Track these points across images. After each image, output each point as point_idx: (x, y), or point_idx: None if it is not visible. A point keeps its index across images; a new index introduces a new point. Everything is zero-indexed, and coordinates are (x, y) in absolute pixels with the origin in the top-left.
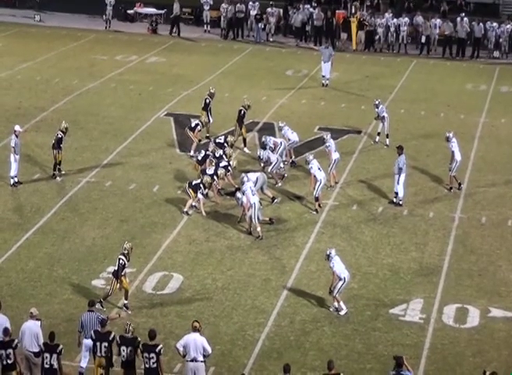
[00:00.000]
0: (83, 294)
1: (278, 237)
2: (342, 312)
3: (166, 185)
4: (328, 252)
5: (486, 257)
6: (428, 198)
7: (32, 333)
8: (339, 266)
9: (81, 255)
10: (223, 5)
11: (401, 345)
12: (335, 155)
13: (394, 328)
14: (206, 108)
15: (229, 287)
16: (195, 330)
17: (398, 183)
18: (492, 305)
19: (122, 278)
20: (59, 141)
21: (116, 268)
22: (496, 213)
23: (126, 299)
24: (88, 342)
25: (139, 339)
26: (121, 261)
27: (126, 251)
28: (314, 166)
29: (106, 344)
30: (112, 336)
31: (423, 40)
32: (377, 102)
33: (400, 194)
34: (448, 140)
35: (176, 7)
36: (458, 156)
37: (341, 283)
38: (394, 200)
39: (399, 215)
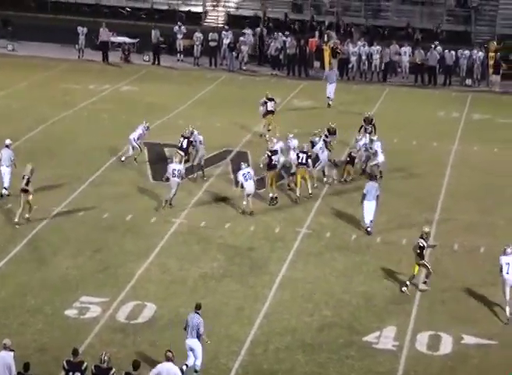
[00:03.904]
0: (56, 324)
1: (251, 265)
2: None
3: (140, 214)
4: None
5: (459, 284)
6: (401, 225)
7: (5, 364)
8: None
9: (54, 285)
10: (196, 33)
11: (375, 373)
12: (323, 156)
13: (367, 356)
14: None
15: (202, 315)
16: (168, 359)
17: (363, 209)
18: (465, 331)
19: None
20: (27, 183)
21: None
22: (468, 240)
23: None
24: (189, 342)
25: (113, 370)
26: None
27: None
28: (318, 146)
29: (79, 374)
30: (84, 365)
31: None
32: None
33: (366, 221)
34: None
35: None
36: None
37: None
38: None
39: (372, 242)
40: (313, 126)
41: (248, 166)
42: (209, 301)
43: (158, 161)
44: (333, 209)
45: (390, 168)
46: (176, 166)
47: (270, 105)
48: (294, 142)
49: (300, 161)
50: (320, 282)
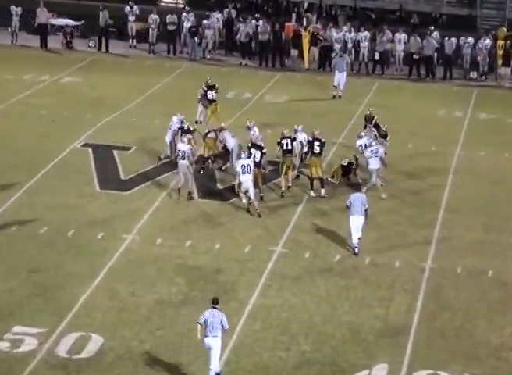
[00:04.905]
0: None
1: (217, 290)
2: None
3: (83, 229)
4: None
5: (462, 314)
6: (393, 244)
7: None
8: None
9: None
10: (152, 15)
11: None
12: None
13: None
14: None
15: (158, 350)
16: None
17: (350, 226)
18: (469, 370)
19: None
20: None
21: None
22: (473, 262)
23: None
24: (210, 341)
25: None
26: None
27: None
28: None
29: None
30: None
31: (376, 56)
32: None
33: (353, 240)
34: None
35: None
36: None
37: None
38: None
39: (359, 264)
40: (289, 126)
41: (249, 156)
42: (166, 333)
43: (106, 166)
44: (314, 224)
45: (380, 176)
46: (182, 147)
47: (210, 94)
48: (254, 130)
49: (284, 148)
50: (298, 310)
